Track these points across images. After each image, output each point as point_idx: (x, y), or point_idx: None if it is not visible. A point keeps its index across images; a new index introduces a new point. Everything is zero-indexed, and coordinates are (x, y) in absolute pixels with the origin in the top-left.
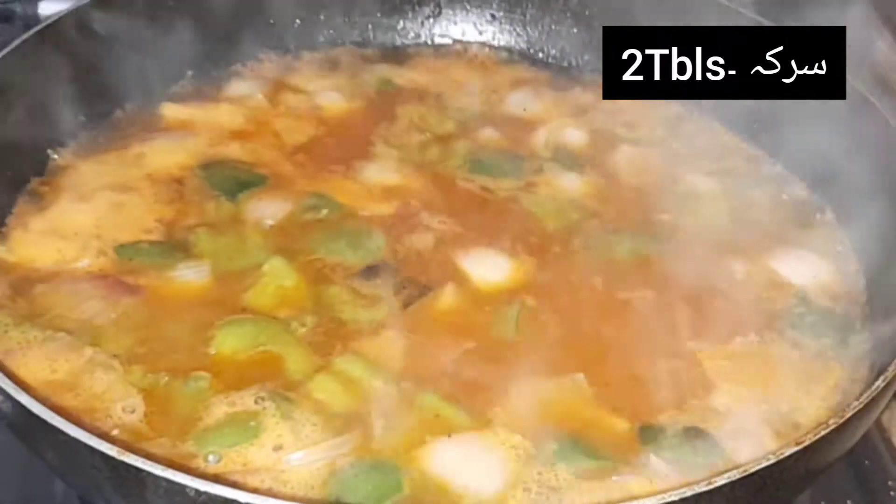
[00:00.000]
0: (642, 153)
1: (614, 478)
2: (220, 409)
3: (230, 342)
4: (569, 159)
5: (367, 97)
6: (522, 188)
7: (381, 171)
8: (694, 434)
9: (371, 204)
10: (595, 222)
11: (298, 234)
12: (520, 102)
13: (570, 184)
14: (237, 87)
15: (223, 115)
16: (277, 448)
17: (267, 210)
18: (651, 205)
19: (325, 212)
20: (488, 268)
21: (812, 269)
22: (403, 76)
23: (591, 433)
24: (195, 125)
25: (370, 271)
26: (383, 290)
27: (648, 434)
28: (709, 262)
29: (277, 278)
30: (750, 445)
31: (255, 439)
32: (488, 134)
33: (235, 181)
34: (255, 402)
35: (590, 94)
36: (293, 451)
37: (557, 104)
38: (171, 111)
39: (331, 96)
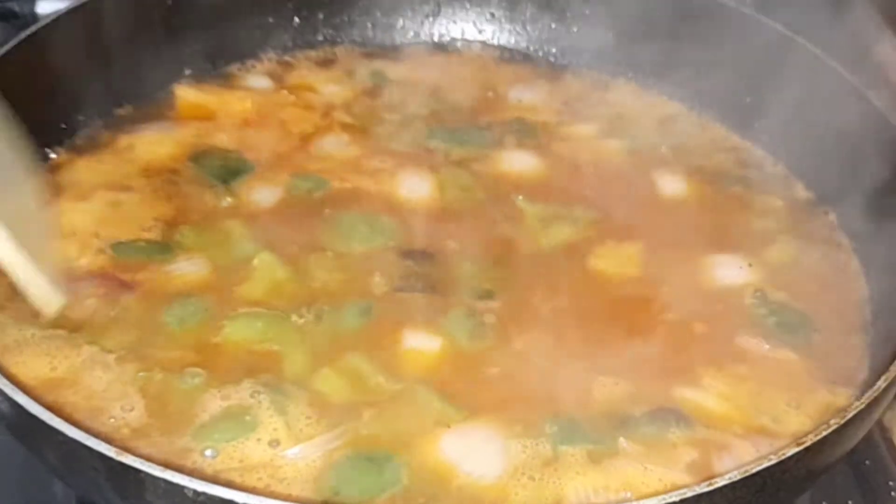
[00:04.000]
0: (616, 146)
1: (609, 462)
2: (215, 403)
3: (240, 333)
4: (535, 142)
5: (361, 89)
6: (470, 158)
7: (338, 145)
8: (670, 418)
9: (350, 175)
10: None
11: (301, 221)
12: (515, 95)
13: (516, 162)
14: (238, 83)
15: (235, 102)
16: (273, 443)
17: (261, 195)
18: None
19: (318, 194)
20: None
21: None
22: (399, 71)
23: (586, 418)
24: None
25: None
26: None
27: (625, 420)
28: (684, 263)
29: (269, 272)
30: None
31: (252, 433)
32: (462, 114)
33: (227, 169)
34: (251, 396)
35: (588, 89)
36: (289, 446)
37: (553, 95)
38: (184, 94)
39: (326, 89)
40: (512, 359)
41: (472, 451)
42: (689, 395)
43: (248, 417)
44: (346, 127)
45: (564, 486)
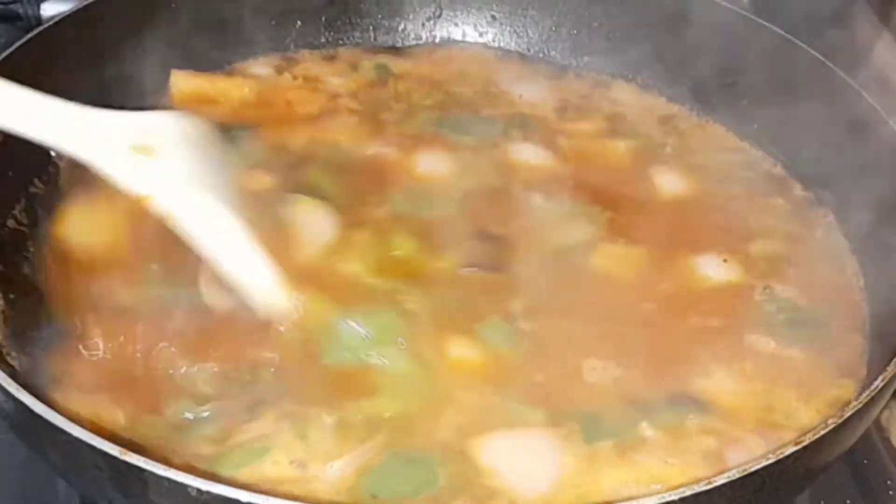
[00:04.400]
0: (616, 146)
1: (632, 456)
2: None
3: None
4: (538, 136)
5: (366, 81)
6: (479, 146)
7: (346, 126)
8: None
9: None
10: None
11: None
12: (517, 91)
13: (524, 154)
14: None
15: (233, 88)
16: (296, 463)
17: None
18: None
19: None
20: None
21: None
22: (402, 66)
23: (608, 412)
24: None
25: None
26: None
27: (645, 410)
28: (687, 263)
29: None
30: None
31: (266, 455)
32: (467, 106)
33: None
34: (275, 422)
35: (588, 89)
36: (313, 465)
37: (553, 95)
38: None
39: (331, 80)
40: (542, 359)
41: (513, 452)
42: (700, 389)
43: (259, 445)
44: (353, 112)
45: (601, 480)
